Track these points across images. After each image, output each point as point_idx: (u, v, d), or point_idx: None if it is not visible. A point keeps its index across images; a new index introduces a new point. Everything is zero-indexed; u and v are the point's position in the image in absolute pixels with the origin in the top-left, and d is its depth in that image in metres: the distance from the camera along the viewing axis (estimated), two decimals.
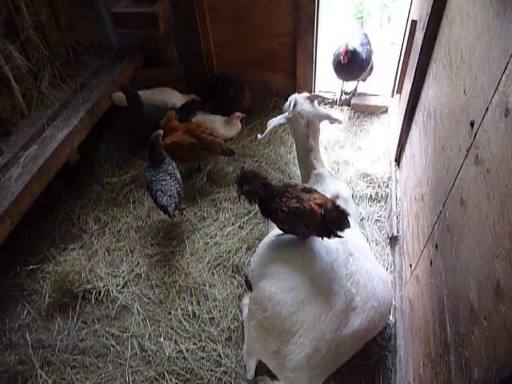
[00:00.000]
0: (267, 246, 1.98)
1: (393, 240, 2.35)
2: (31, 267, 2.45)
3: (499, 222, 0.94)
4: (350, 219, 2.05)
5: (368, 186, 2.77)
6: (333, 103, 3.44)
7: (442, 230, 1.41)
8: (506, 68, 0.98)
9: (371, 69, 3.30)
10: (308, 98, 2.35)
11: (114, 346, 2.12)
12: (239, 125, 3.20)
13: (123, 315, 2.25)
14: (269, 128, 2.37)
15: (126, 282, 2.37)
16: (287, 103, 2.43)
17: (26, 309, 2.30)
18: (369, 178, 2.81)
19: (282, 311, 1.65)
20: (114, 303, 2.28)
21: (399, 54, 2.98)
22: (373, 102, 3.41)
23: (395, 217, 2.36)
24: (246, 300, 2.15)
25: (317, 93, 3.40)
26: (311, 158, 2.28)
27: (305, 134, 2.28)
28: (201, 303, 2.25)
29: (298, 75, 3.35)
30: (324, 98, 3.34)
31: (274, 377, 1.82)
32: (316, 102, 2.38)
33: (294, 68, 3.33)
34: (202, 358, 2.04)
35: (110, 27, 3.22)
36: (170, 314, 2.22)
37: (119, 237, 2.61)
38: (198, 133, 2.70)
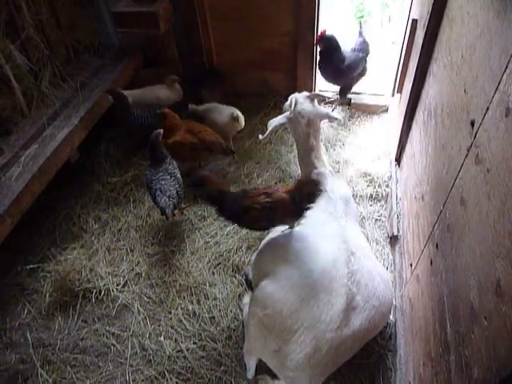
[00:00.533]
0: (268, 245, 1.98)
1: (393, 239, 2.35)
2: (32, 266, 2.45)
3: (499, 222, 0.94)
4: (350, 219, 2.06)
5: (368, 186, 2.77)
6: (334, 102, 3.44)
7: (442, 229, 1.41)
8: (506, 67, 0.98)
9: (358, 75, 3.21)
10: (308, 97, 2.34)
11: (114, 345, 2.12)
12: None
13: (123, 314, 2.25)
14: (270, 128, 2.36)
15: (126, 281, 2.38)
16: (288, 103, 2.42)
17: (26, 308, 2.30)
18: (369, 178, 2.81)
19: (283, 310, 1.65)
20: (115, 302, 2.28)
21: (400, 53, 2.98)
22: (373, 101, 3.41)
23: (395, 216, 2.36)
24: (246, 299, 2.15)
25: (317, 92, 3.40)
26: (312, 157, 2.27)
27: (305, 133, 2.28)
28: (201, 302, 2.25)
29: (298, 75, 3.35)
30: (324, 97, 3.34)
31: (274, 376, 1.83)
32: (316, 101, 2.38)
33: (294, 67, 3.33)
34: (203, 357, 2.04)
35: (111, 26, 3.22)
36: (170, 313, 2.22)
37: (119, 236, 2.62)
38: (199, 133, 2.70)
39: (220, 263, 2.42)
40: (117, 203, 2.82)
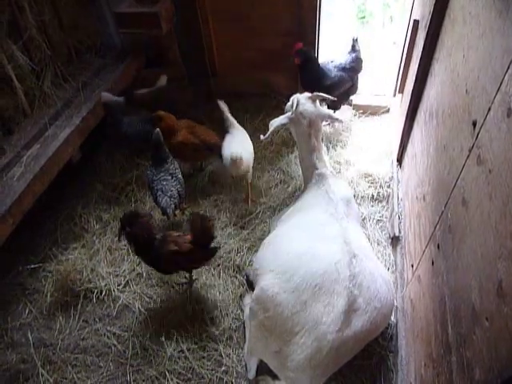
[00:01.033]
0: (270, 246, 1.98)
1: (394, 240, 2.34)
2: (33, 266, 2.46)
3: (501, 223, 0.93)
4: (352, 220, 2.06)
5: (370, 186, 2.77)
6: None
7: (443, 230, 1.41)
8: (508, 68, 0.98)
9: (345, 94, 3.14)
10: (310, 97, 2.34)
11: (115, 345, 2.12)
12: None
13: (124, 314, 2.25)
14: (271, 128, 2.37)
15: (127, 282, 2.38)
16: (289, 103, 2.42)
17: (27, 308, 2.31)
18: (370, 178, 2.80)
19: (284, 311, 1.65)
20: (116, 302, 2.28)
21: (401, 53, 2.97)
22: (374, 101, 3.41)
23: (397, 217, 2.36)
24: (247, 300, 2.15)
25: (319, 93, 3.39)
26: (313, 157, 2.27)
27: (307, 133, 2.28)
28: (202, 303, 2.25)
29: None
30: (326, 98, 3.33)
31: (275, 376, 1.82)
32: (318, 101, 2.38)
33: (295, 68, 3.32)
34: (203, 357, 2.04)
35: (113, 27, 3.22)
36: (170, 313, 2.22)
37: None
38: (201, 134, 2.72)
39: (221, 264, 2.42)
40: (118, 203, 2.82)
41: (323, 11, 3.09)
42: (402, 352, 1.86)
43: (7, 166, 2.31)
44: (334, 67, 3.02)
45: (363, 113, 3.38)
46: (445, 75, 1.67)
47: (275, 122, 2.38)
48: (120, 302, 2.28)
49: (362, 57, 3.11)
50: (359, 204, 2.64)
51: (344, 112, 3.36)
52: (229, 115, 2.80)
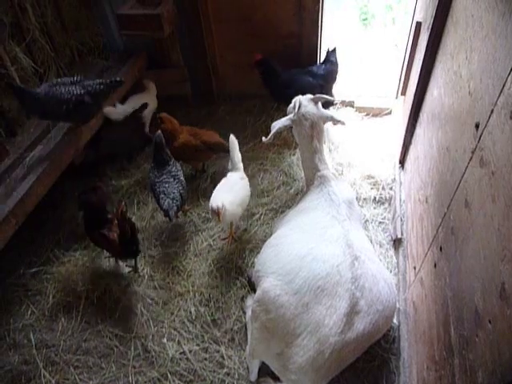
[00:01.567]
0: (272, 248, 1.98)
1: (397, 242, 2.34)
2: (35, 270, 2.47)
3: (504, 225, 0.93)
4: (354, 222, 2.05)
5: (372, 188, 2.76)
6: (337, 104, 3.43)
7: (446, 232, 1.41)
8: (511, 70, 0.98)
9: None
10: (312, 99, 2.35)
11: (117, 347, 2.12)
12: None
13: (126, 316, 2.25)
14: (273, 130, 2.37)
15: (129, 283, 2.38)
16: (291, 105, 2.43)
17: (30, 309, 2.31)
18: (373, 180, 2.80)
19: (286, 313, 1.65)
20: (118, 304, 2.29)
21: (403, 55, 2.97)
22: (377, 103, 3.40)
23: (399, 219, 2.35)
24: (249, 301, 2.15)
25: (321, 95, 3.39)
26: (315, 159, 2.27)
27: (309, 135, 2.28)
28: (204, 304, 2.25)
29: None
30: (328, 100, 3.33)
31: (277, 379, 1.82)
32: (320, 103, 2.38)
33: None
34: (205, 359, 2.04)
35: (115, 29, 3.24)
36: (172, 314, 2.22)
37: None
38: (202, 136, 2.74)
39: (223, 265, 2.41)
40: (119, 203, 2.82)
41: (325, 13, 3.09)
42: (404, 354, 1.85)
43: (10, 167, 2.32)
44: (305, 74, 3.00)
45: (366, 115, 3.38)
46: (447, 77, 1.67)
47: (277, 124, 2.38)
48: (122, 303, 2.29)
49: (337, 69, 3.09)
50: (361, 206, 2.64)
51: (346, 114, 3.36)
52: (236, 154, 2.54)
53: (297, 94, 2.82)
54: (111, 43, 3.35)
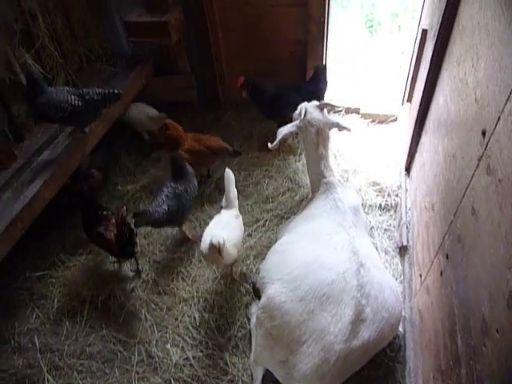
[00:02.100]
0: (277, 254, 1.98)
1: (402, 250, 2.32)
2: (41, 274, 2.48)
3: (511, 233, 0.92)
4: (360, 229, 2.04)
5: (377, 195, 2.75)
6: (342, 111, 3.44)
7: (452, 239, 1.40)
8: None
9: None
10: (318, 106, 2.35)
11: (121, 352, 2.12)
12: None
13: (130, 321, 2.25)
14: (279, 137, 2.37)
15: (133, 288, 2.38)
16: (297, 111, 2.43)
17: (35, 313, 2.32)
18: (378, 187, 2.79)
19: (291, 320, 1.64)
20: (122, 309, 2.29)
21: (409, 62, 2.98)
22: (383, 110, 3.40)
23: (405, 226, 2.34)
24: (253, 308, 2.14)
25: (326, 101, 3.40)
26: (321, 166, 2.27)
27: (315, 142, 2.28)
28: (208, 310, 2.25)
29: None
30: (334, 106, 3.33)
31: None
32: (325, 110, 2.39)
33: (304, 77, 3.34)
34: (209, 365, 2.03)
35: (123, 36, 3.27)
36: (176, 320, 2.21)
37: None
38: (206, 141, 2.77)
39: (227, 272, 2.41)
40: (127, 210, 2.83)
41: (331, 20, 3.11)
42: (410, 363, 1.84)
43: (18, 171, 2.34)
44: (292, 91, 3.00)
45: (371, 121, 3.38)
46: (453, 84, 1.67)
47: (283, 131, 2.39)
48: (126, 308, 2.29)
49: (326, 87, 3.10)
50: (367, 213, 2.63)
51: (352, 120, 3.37)
52: (232, 189, 2.36)
53: (283, 112, 2.87)
54: (119, 50, 3.38)
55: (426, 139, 2.18)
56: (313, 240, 1.94)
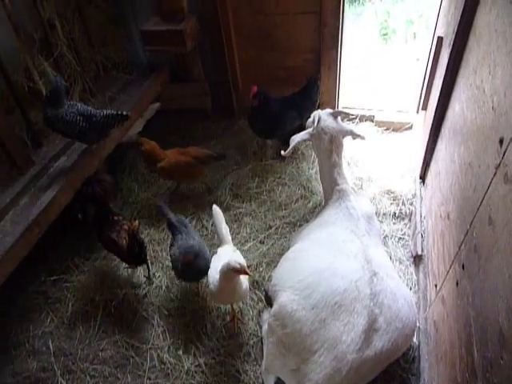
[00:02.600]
0: (289, 262, 1.97)
1: (417, 259, 2.29)
2: (55, 278, 2.51)
3: None
4: (373, 237, 2.02)
5: (392, 203, 2.73)
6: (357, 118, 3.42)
7: (468, 249, 1.38)
8: None
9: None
10: (332, 114, 2.35)
11: (133, 357, 2.13)
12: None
13: (143, 327, 2.26)
14: (292, 144, 2.37)
15: (146, 294, 2.39)
16: (310, 119, 2.43)
17: (49, 316, 2.35)
18: (393, 195, 2.77)
19: (303, 329, 1.62)
20: (134, 314, 2.30)
21: (424, 70, 2.95)
22: (397, 118, 3.38)
23: (420, 235, 2.31)
24: (265, 315, 2.13)
25: (340, 109, 3.40)
26: (334, 173, 2.26)
27: (328, 149, 2.28)
28: (220, 317, 2.24)
29: (322, 91, 3.36)
30: (347, 114, 3.33)
31: None
32: (339, 117, 2.38)
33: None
34: (221, 372, 2.02)
35: (139, 44, 3.32)
36: (188, 327, 2.22)
37: None
38: (190, 152, 2.78)
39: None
40: (140, 216, 2.86)
41: (345, 28, 3.11)
42: (424, 375, 1.80)
43: (35, 177, 2.38)
44: (291, 107, 2.99)
45: (385, 129, 3.36)
46: (470, 92, 1.65)
47: (296, 138, 2.39)
48: (139, 314, 2.30)
49: (318, 98, 3.12)
50: (381, 221, 2.61)
51: (366, 128, 3.35)
52: (223, 226, 2.27)
53: (283, 129, 2.89)
54: (135, 58, 3.43)
55: (441, 147, 2.15)
56: (326, 248, 1.93)
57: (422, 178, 2.63)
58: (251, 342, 2.12)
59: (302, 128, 2.91)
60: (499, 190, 1.14)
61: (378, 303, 1.65)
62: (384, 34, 4.68)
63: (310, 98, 3.10)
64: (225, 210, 2.85)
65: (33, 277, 2.54)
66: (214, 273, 2.01)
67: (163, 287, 2.42)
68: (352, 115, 3.41)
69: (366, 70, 4.09)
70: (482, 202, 1.28)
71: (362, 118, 3.43)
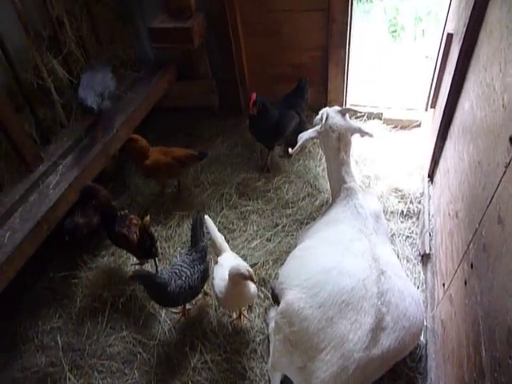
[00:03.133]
0: (296, 260, 1.97)
1: (425, 258, 2.28)
2: (64, 274, 2.53)
3: None
4: (381, 236, 2.01)
5: (399, 202, 2.71)
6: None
7: (477, 248, 1.36)
8: None
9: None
10: (340, 111, 2.34)
11: (140, 353, 2.14)
12: None
13: (150, 323, 2.27)
14: (300, 142, 2.36)
15: None
16: (318, 117, 2.42)
17: (58, 312, 2.37)
18: (400, 193, 2.75)
19: (310, 327, 1.62)
20: (142, 311, 2.31)
21: (434, 67, 2.93)
22: (406, 116, 3.36)
23: (428, 234, 2.29)
24: (272, 313, 2.13)
25: (348, 106, 3.38)
26: (342, 171, 2.25)
27: (336, 147, 2.27)
28: (226, 314, 2.25)
29: (330, 89, 3.35)
30: (355, 112, 3.31)
31: None
32: (347, 115, 2.37)
33: (325, 81, 3.33)
34: (227, 369, 2.03)
35: (147, 42, 3.33)
36: (195, 324, 2.22)
37: None
38: (172, 153, 2.76)
39: None
40: (147, 213, 2.86)
41: (353, 25, 3.09)
42: (431, 374, 1.79)
43: (44, 174, 2.40)
44: (291, 110, 2.97)
45: (394, 127, 3.33)
46: (480, 89, 1.63)
47: (304, 136, 2.38)
48: (146, 310, 2.31)
49: (307, 97, 3.13)
50: (388, 220, 2.59)
51: (374, 126, 3.33)
52: (217, 234, 2.21)
53: (283, 135, 2.85)
54: (143, 55, 3.44)
55: (450, 145, 2.14)
56: (333, 246, 1.92)
57: (431, 176, 2.61)
58: (258, 340, 2.12)
59: (302, 128, 2.91)
60: (509, 189, 1.13)
61: (385, 302, 1.64)
62: (393, 31, 4.65)
63: (304, 98, 3.09)
64: (231, 207, 2.85)
65: (41, 273, 2.57)
66: (218, 281, 2.00)
67: None
68: (360, 113, 3.39)
69: (375, 68, 4.07)
70: (491, 200, 1.27)
71: (370, 116, 3.41)
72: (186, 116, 3.61)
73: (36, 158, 2.42)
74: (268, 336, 2.10)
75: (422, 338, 1.96)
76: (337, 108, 2.37)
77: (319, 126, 2.33)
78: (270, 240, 2.61)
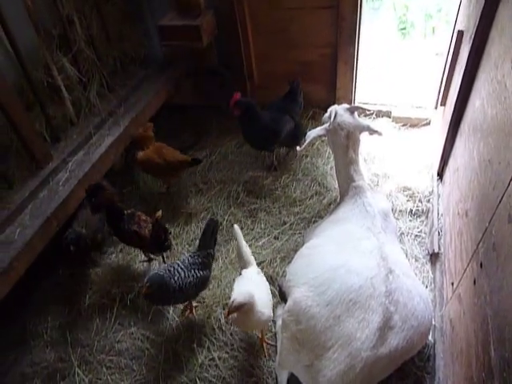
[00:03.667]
0: (304, 258, 1.96)
1: (433, 257, 2.26)
2: (73, 270, 2.55)
3: None
4: (389, 234, 2.00)
5: (408, 200, 2.69)
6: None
7: (487, 247, 1.35)
8: None
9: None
10: (348, 109, 2.32)
11: (148, 349, 2.16)
12: None
13: (158, 319, 2.29)
14: (308, 140, 2.36)
15: None
16: (327, 114, 2.41)
17: (67, 308, 2.40)
18: (409, 192, 2.73)
19: (317, 325, 1.62)
20: (150, 307, 2.33)
21: (444, 65, 2.90)
22: (415, 114, 3.33)
23: (436, 233, 2.28)
24: (279, 311, 2.14)
25: (357, 104, 3.36)
26: (351, 170, 2.24)
27: (344, 145, 2.25)
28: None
29: (338, 86, 3.33)
30: (364, 110, 3.29)
31: None
32: (356, 113, 2.35)
33: (333, 79, 3.31)
34: (234, 366, 2.03)
35: (156, 39, 3.34)
36: (202, 321, 2.23)
37: None
38: (165, 155, 2.74)
39: None
40: (156, 210, 2.88)
41: (363, 22, 3.07)
42: (439, 374, 1.78)
43: (54, 171, 2.42)
44: (285, 114, 2.89)
45: (403, 125, 3.31)
46: (491, 87, 1.61)
47: (312, 133, 2.37)
48: (154, 307, 2.33)
49: (301, 100, 3.05)
50: (397, 218, 2.57)
51: (383, 124, 3.31)
52: (243, 245, 2.11)
53: (277, 141, 2.81)
54: (152, 53, 3.45)
55: (460, 143, 2.11)
56: (341, 244, 1.92)
57: (440, 174, 2.58)
58: (265, 337, 2.12)
59: (296, 132, 2.93)
60: None
61: (393, 301, 1.64)
62: (402, 29, 4.60)
63: (297, 101, 3.03)
64: (239, 205, 2.86)
65: (51, 269, 2.59)
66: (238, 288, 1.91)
67: None
68: (369, 111, 3.37)
69: (384, 65, 4.04)
70: (501, 199, 1.26)
71: (379, 114, 3.39)
72: (194, 114, 3.62)
73: (46, 156, 2.45)
74: (275, 334, 2.10)
75: (430, 338, 1.95)
76: (345, 106, 2.36)
77: (328, 124, 2.32)
78: (278, 238, 2.60)
